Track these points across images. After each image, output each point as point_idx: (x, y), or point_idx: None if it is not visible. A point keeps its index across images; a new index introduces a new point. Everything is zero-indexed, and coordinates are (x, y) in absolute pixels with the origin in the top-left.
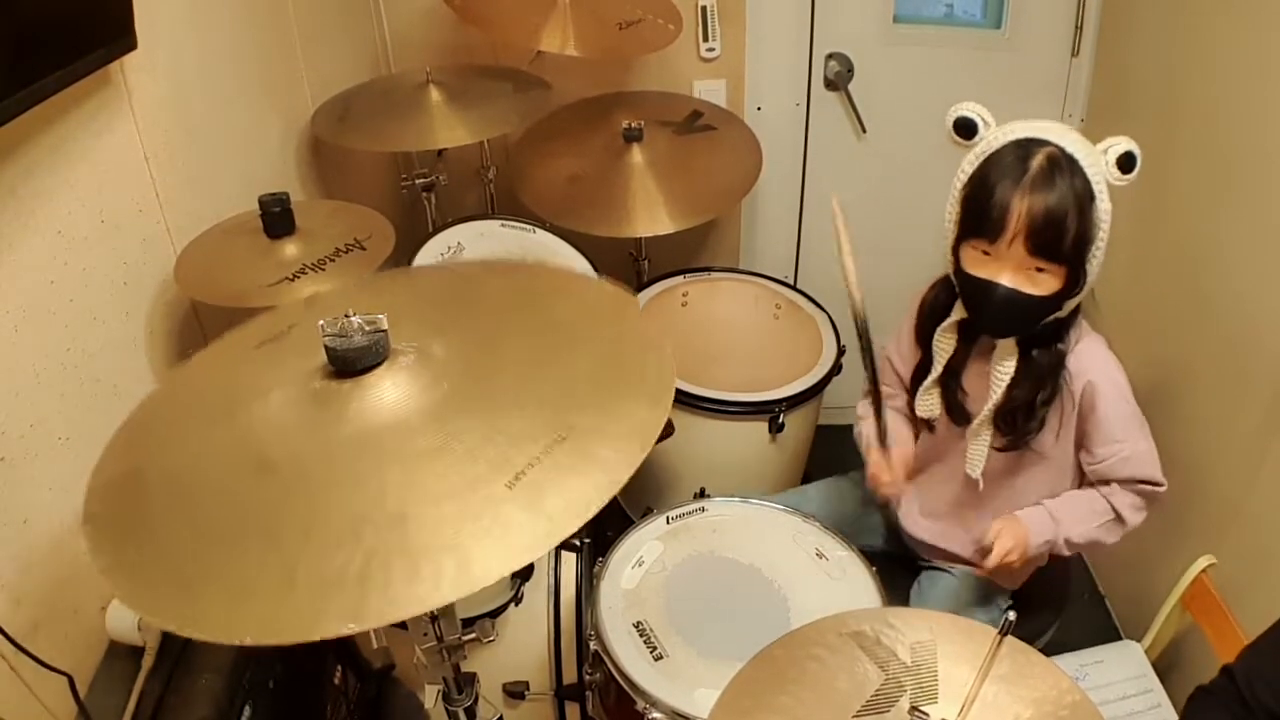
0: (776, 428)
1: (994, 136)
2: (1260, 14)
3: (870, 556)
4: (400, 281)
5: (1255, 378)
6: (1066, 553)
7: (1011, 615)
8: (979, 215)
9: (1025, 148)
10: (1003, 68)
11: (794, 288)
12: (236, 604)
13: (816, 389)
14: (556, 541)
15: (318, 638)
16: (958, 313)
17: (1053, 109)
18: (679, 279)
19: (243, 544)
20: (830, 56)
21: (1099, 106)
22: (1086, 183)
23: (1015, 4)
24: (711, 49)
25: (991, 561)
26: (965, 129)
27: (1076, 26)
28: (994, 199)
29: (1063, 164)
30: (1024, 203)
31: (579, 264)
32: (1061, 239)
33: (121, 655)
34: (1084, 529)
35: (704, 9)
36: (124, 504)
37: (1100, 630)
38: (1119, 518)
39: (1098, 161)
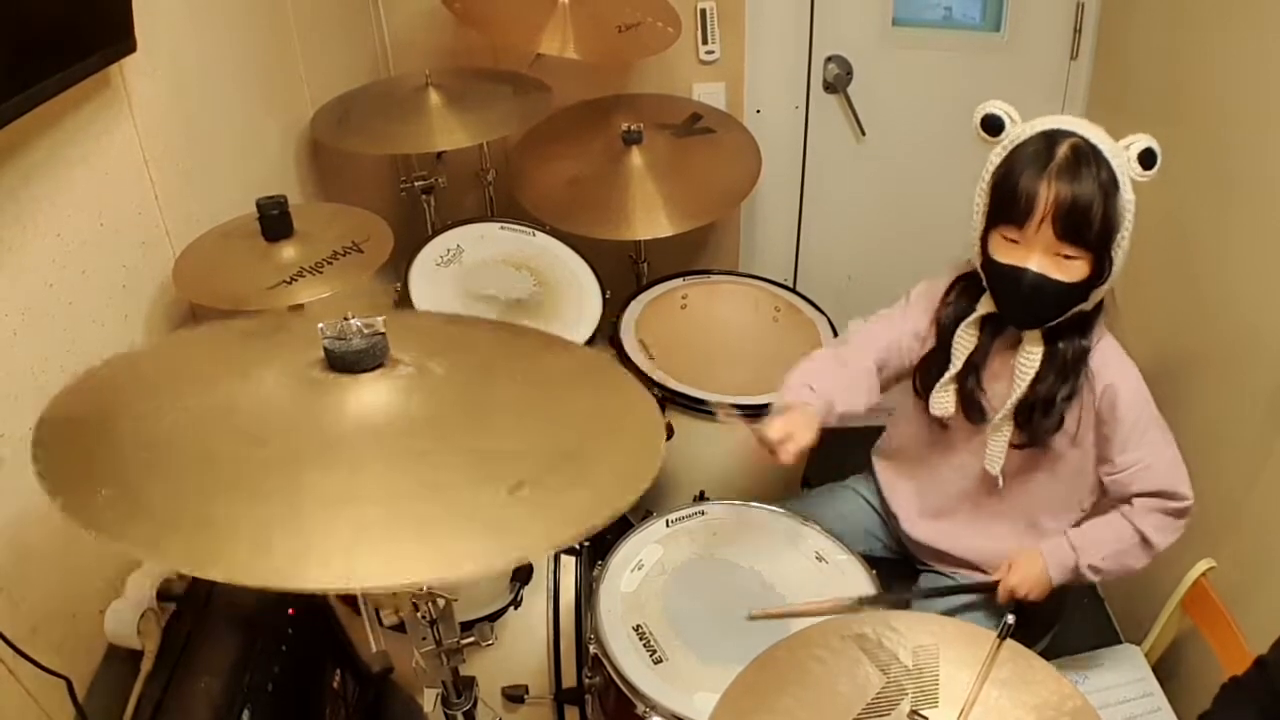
0: None
1: (1020, 130)
2: (1259, 16)
3: (870, 560)
4: (391, 316)
5: (1255, 380)
6: (1094, 579)
7: (1011, 619)
8: (1008, 201)
9: (1051, 138)
10: (1002, 70)
11: (794, 290)
12: (212, 542)
13: None
14: (554, 547)
15: (299, 587)
16: (983, 307)
17: (1051, 112)
18: (678, 281)
19: (217, 493)
20: (829, 59)
21: (1098, 109)
22: (1111, 172)
23: (1014, 7)
24: (711, 52)
25: (1001, 597)
26: (992, 126)
27: (1075, 29)
28: (1021, 184)
29: (1088, 153)
30: (1052, 188)
31: (578, 267)
32: (1088, 223)
33: (120, 658)
34: (1108, 554)
35: (703, 12)
36: (84, 440)
37: (1100, 633)
38: (1145, 540)
39: (1120, 155)
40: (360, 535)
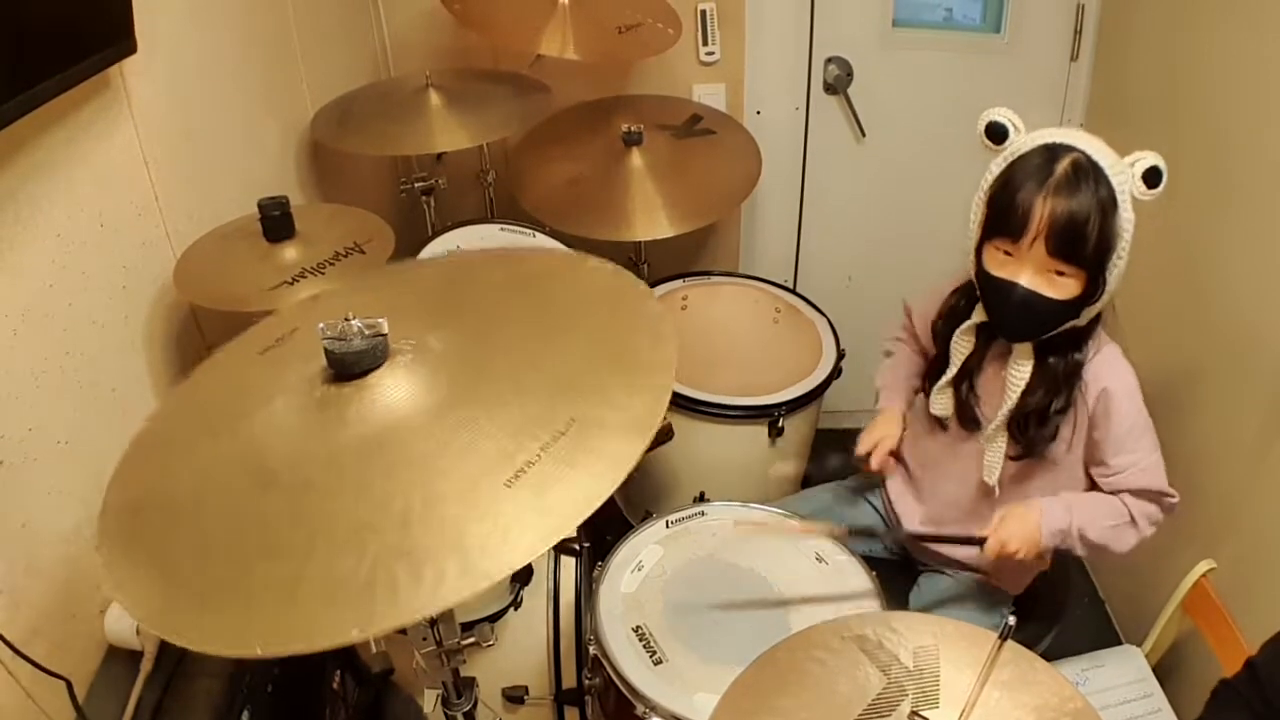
0: (776, 432)
1: (1023, 141)
2: (1259, 18)
3: (870, 561)
4: (399, 276)
5: (1255, 382)
6: (1079, 549)
7: (1012, 620)
8: (1003, 215)
9: (1052, 152)
10: (1002, 72)
11: (794, 291)
12: (244, 617)
13: (816, 393)
14: (559, 537)
15: (325, 647)
16: (978, 315)
17: (1052, 113)
18: (678, 283)
19: (248, 557)
20: (829, 60)
21: (1098, 111)
22: (1111, 191)
23: (1015, 8)
24: (711, 53)
25: (990, 549)
26: (996, 134)
27: (1076, 31)
28: (1018, 199)
29: (1088, 170)
30: (1047, 204)
31: None
32: (1082, 243)
33: (120, 659)
34: (1100, 526)
35: (703, 13)
36: (133, 524)
37: (1100, 634)
38: (1134, 522)
39: (1123, 172)
40: (376, 569)
